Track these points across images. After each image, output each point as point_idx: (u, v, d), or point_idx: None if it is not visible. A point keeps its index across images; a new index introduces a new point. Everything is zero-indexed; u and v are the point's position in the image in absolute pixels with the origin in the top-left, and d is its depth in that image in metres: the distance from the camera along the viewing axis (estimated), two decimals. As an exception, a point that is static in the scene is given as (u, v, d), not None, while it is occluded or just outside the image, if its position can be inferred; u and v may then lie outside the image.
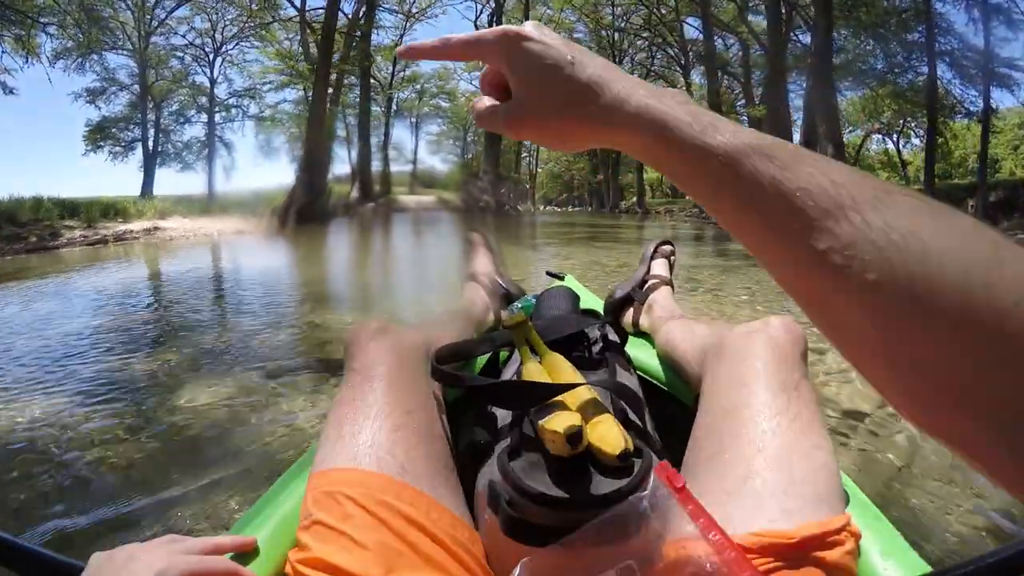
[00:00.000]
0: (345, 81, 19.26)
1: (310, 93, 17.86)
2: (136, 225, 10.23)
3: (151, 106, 26.16)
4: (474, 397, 0.62)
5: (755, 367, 0.56)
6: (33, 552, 0.43)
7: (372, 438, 0.52)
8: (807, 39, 15.99)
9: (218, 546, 0.49)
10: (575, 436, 0.46)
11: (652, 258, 1.11)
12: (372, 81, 20.76)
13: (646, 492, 0.41)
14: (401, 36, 23.62)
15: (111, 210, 12.72)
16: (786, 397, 0.53)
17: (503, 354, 0.86)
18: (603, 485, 0.46)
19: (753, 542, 0.42)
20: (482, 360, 0.86)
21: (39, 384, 2.00)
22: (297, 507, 0.52)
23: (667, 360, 0.84)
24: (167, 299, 4.04)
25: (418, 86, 31.47)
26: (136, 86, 26.10)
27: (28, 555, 0.43)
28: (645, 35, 25.06)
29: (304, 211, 13.35)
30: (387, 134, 23.29)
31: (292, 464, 0.64)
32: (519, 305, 1.02)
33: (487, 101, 0.36)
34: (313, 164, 15.32)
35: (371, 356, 0.60)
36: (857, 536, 0.46)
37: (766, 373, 0.55)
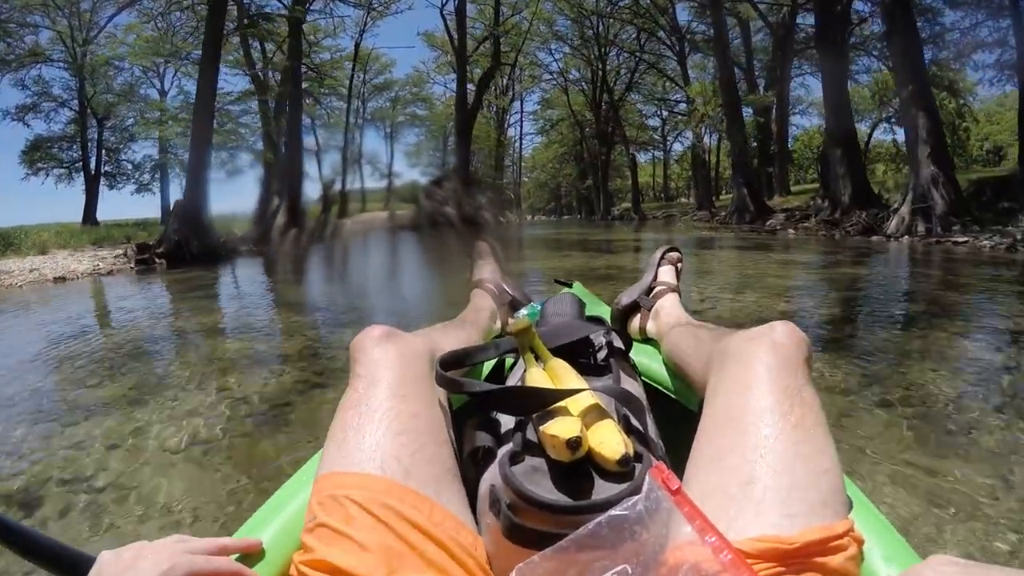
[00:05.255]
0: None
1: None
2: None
3: (92, 122, 23.72)
4: (478, 403, 0.62)
5: (758, 371, 0.56)
6: (46, 541, 0.44)
7: (376, 442, 0.53)
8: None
9: (224, 547, 0.50)
10: (575, 441, 0.48)
11: (659, 265, 1.10)
12: (307, 69, 17.89)
13: (640, 495, 0.40)
14: (361, 33, 21.30)
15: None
16: (789, 402, 0.53)
17: (508, 360, 0.86)
18: (604, 490, 0.48)
19: (754, 547, 0.43)
20: (488, 366, 0.86)
21: None
22: (302, 510, 0.53)
23: (672, 366, 0.83)
24: None
25: (392, 94, 29.18)
26: (75, 101, 23.65)
27: (42, 544, 0.44)
28: (634, 22, 22.78)
29: (184, 247, 9.21)
30: (347, 144, 20.73)
31: (298, 468, 0.64)
32: (525, 312, 1.03)
33: None
34: (198, 176, 10.69)
35: (376, 361, 0.61)
36: (860, 542, 0.46)
37: (769, 378, 0.55)
